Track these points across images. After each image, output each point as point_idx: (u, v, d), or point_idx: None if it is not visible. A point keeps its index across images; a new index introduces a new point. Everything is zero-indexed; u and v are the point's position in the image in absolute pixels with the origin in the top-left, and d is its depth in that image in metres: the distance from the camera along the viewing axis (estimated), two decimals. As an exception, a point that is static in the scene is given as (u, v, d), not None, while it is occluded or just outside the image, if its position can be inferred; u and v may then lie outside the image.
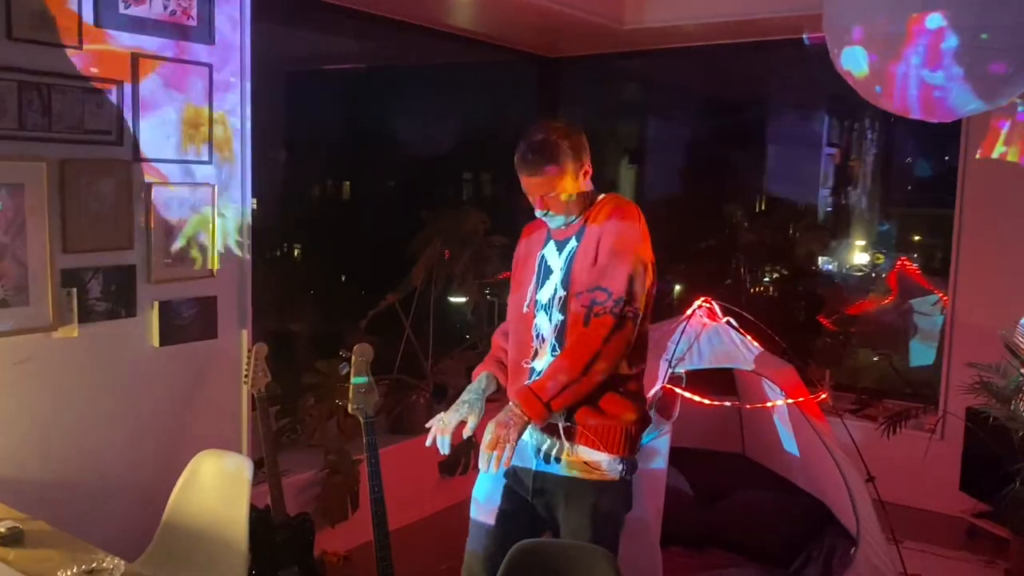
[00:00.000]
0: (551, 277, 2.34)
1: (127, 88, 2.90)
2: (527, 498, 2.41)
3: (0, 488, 2.52)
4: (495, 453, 2.15)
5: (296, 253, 5.55)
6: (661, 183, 7.16)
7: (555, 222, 2.34)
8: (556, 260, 2.35)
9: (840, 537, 3.69)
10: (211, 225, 3.19)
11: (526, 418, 2.18)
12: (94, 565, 1.89)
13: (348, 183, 5.86)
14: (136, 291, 2.98)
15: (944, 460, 4.27)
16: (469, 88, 6.28)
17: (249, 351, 3.17)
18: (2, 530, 2.07)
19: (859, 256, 6.17)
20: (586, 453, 2.29)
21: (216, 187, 3.20)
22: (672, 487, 3.93)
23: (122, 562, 1.94)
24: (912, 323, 5.28)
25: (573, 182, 2.28)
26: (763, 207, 6.39)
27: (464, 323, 4.96)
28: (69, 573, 1.85)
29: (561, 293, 2.30)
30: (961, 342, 4.40)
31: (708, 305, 3.92)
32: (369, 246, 5.49)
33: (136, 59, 2.91)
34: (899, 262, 5.46)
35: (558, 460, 2.32)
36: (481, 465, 2.18)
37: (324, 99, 5.63)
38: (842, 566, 3.42)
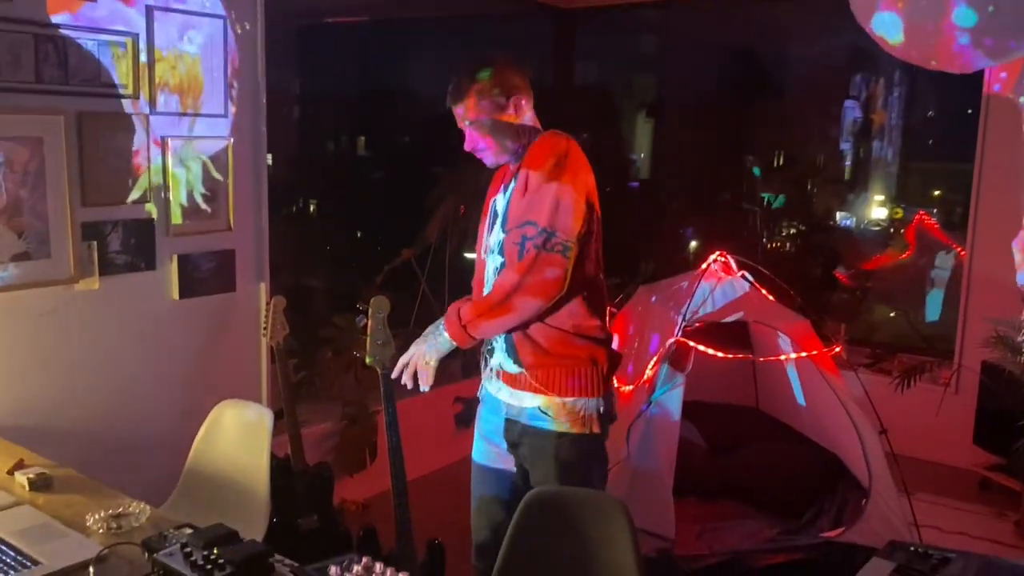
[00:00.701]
0: (497, 221, 2.28)
1: (143, 40, 2.90)
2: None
3: (28, 436, 2.58)
4: (407, 369, 2.26)
5: (312, 209, 5.57)
6: (678, 137, 7.09)
7: (488, 160, 2.28)
8: (501, 202, 2.28)
9: (852, 489, 3.73)
10: (228, 179, 3.21)
11: (445, 335, 2.21)
12: (120, 510, 1.95)
13: (363, 138, 5.84)
14: (155, 244, 3.02)
15: (958, 414, 4.28)
16: (484, 41, 6.22)
17: (267, 304, 3.20)
18: (31, 476, 2.13)
19: (877, 211, 6.12)
20: (537, 399, 2.24)
21: (232, 141, 3.21)
22: (686, 439, 3.97)
23: (147, 507, 2.00)
24: (929, 278, 5.26)
25: (498, 118, 2.21)
26: (781, 162, 6.33)
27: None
28: (97, 517, 1.90)
29: (500, 236, 2.23)
30: (978, 297, 4.38)
31: (724, 259, 3.92)
32: (384, 202, 5.50)
33: (151, 11, 2.90)
34: (918, 216, 5.41)
35: (515, 409, 2.29)
36: (404, 380, 2.27)
37: (337, 53, 5.59)
38: (854, 517, 3.45)
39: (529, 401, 2.26)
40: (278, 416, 3.14)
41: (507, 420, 2.33)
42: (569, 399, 2.23)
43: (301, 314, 4.22)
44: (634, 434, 3.53)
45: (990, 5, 2.69)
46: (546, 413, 2.24)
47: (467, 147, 2.28)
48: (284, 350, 3.17)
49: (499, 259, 2.22)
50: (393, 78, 5.70)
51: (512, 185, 2.24)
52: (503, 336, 2.26)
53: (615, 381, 2.40)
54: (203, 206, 3.15)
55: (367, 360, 2.63)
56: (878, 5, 2.92)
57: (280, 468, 3.09)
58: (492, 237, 2.29)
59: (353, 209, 5.51)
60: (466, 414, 4.33)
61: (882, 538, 3.25)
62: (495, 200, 2.34)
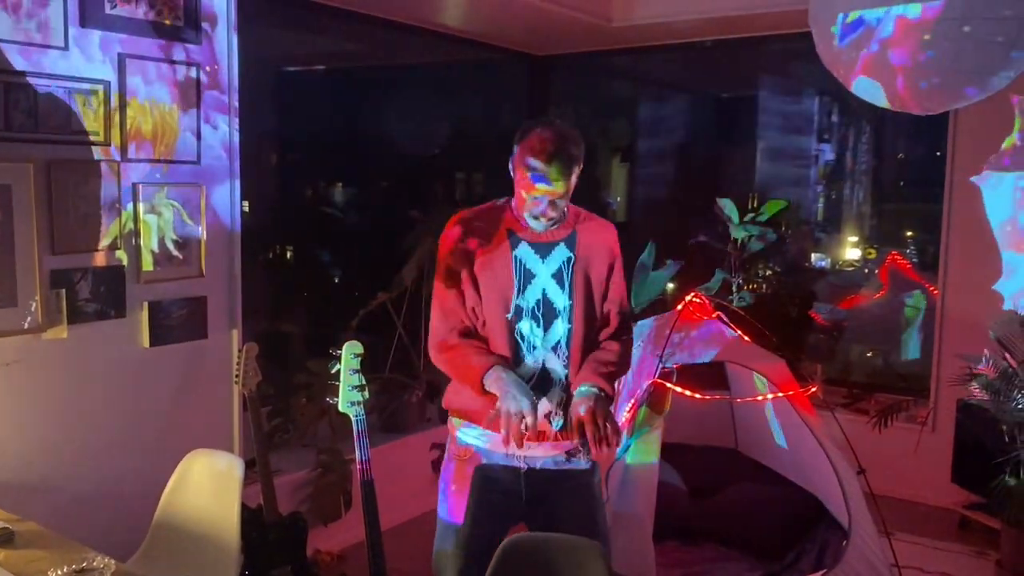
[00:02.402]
0: (533, 282, 2.30)
1: (114, 87, 2.89)
2: (507, 497, 2.37)
3: (-10, 490, 2.52)
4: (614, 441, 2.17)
5: (289, 254, 5.56)
6: (653, 181, 7.17)
7: (540, 226, 2.31)
8: (539, 265, 2.32)
9: (832, 530, 3.70)
10: (201, 225, 3.19)
11: (612, 401, 2.28)
12: (84, 564, 1.89)
13: (340, 184, 5.86)
14: (126, 292, 2.98)
15: (936, 452, 4.29)
16: (460, 87, 6.29)
17: (240, 351, 3.16)
18: (-8, 531, 2.07)
19: (851, 251, 6.19)
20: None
21: (205, 187, 3.20)
22: (665, 482, 3.94)
23: (113, 562, 1.94)
24: (903, 317, 5.30)
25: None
26: (755, 204, 6.41)
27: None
28: (59, 573, 1.85)
29: (566, 303, 2.31)
30: (951, 334, 4.42)
31: (699, 300, 3.94)
32: (362, 246, 5.49)
33: (122, 59, 2.91)
34: (890, 256, 5.47)
35: (540, 460, 2.35)
36: (596, 453, 2.21)
37: (315, 100, 5.63)
38: (834, 559, 3.42)
39: (564, 445, 2.35)
40: (250, 465, 3.09)
41: (526, 475, 2.35)
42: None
43: (276, 360, 4.18)
44: (613, 478, 3.50)
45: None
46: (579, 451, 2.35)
47: (539, 211, 2.28)
48: (257, 397, 3.12)
49: (566, 326, 2.32)
50: (371, 124, 5.74)
51: (565, 250, 2.34)
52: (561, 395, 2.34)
53: None
54: (175, 252, 3.12)
55: (340, 406, 2.60)
56: (856, 71, 3.01)
57: (252, 518, 3.02)
58: (528, 298, 2.29)
59: (330, 254, 5.50)
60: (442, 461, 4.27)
61: (863, 580, 3.23)
62: (517, 256, 2.31)
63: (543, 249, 2.34)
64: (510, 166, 2.32)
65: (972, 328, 3.97)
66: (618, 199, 7.14)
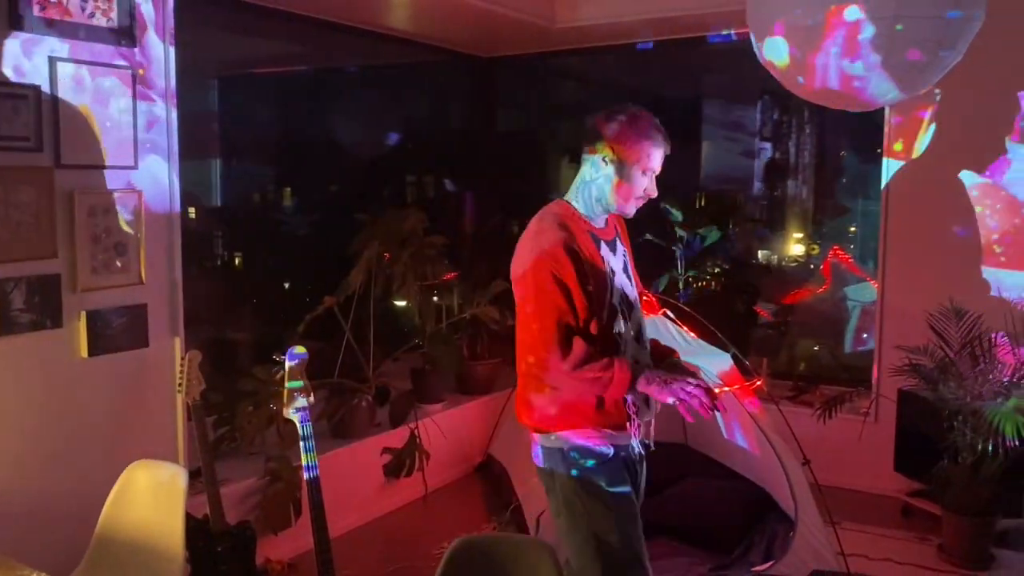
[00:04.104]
0: (615, 279, 2.31)
1: (45, 92, 2.82)
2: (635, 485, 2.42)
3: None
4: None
5: (237, 260, 5.47)
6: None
7: (633, 211, 2.36)
8: (613, 260, 2.34)
9: (781, 522, 3.77)
10: (140, 231, 3.12)
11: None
12: (19, 582, 1.84)
13: (288, 188, 5.80)
14: (62, 301, 2.90)
15: (879, 442, 4.38)
16: (405, 89, 6.26)
17: (182, 359, 3.11)
18: (-79, 551, 2.00)
19: (795, 247, 6.30)
20: None
21: (143, 193, 3.13)
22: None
23: (49, 577, 1.89)
24: (846, 310, 5.41)
25: None
26: (702, 202, 6.48)
27: (410, 325, 4.94)
28: (-8, 591, 1.79)
29: (633, 295, 2.38)
30: (891, 326, 4.52)
31: (646, 297, 3.97)
32: (310, 251, 5.43)
33: (54, 63, 2.83)
34: (832, 251, 5.58)
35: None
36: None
37: (260, 103, 5.56)
38: (782, 550, 3.49)
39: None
40: (196, 475, 3.04)
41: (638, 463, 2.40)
42: None
43: (222, 368, 4.11)
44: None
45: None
46: None
47: (639, 200, 2.33)
48: (201, 406, 3.07)
49: (640, 317, 2.38)
50: (318, 127, 5.68)
51: (619, 244, 2.40)
52: None
53: None
54: (113, 260, 3.05)
55: (285, 412, 2.57)
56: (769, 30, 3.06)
57: (198, 529, 2.97)
58: (615, 295, 2.29)
59: (278, 259, 5.44)
60: (395, 464, 4.25)
61: (810, 569, 3.30)
62: (603, 257, 2.30)
63: (611, 245, 2.36)
64: (604, 156, 2.27)
65: (911, 320, 4.07)
66: (571, 201, 7.17)
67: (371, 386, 4.26)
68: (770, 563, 3.43)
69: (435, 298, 4.87)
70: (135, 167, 3.11)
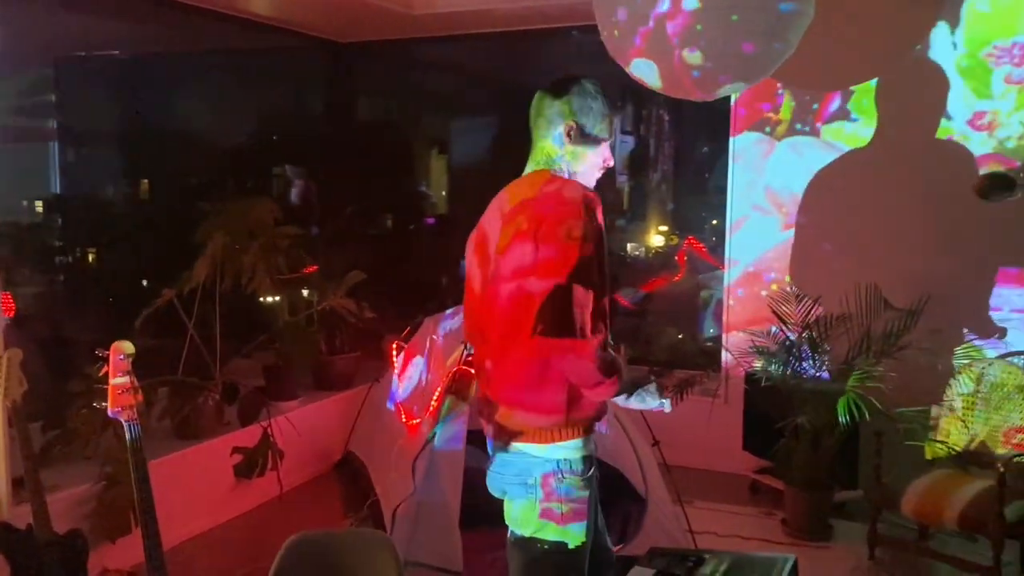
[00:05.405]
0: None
1: None
2: None
3: None
4: None
5: (78, 254, 5.15)
6: (470, 172, 7.17)
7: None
8: None
9: (634, 503, 3.85)
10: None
11: None
12: None
13: (134, 178, 5.49)
14: None
15: (728, 422, 4.55)
16: (261, 76, 6.03)
17: (1, 358, 2.87)
18: None
19: (656, 238, 6.47)
20: None
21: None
22: (476, 468, 3.95)
23: None
24: (700, 296, 5.59)
25: None
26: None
27: (264, 320, 4.76)
28: None
29: None
30: (738, 311, 4.70)
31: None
32: (156, 243, 5.16)
33: None
34: (687, 241, 5.76)
35: None
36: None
37: (105, 89, 5.24)
38: (635, 530, 3.56)
39: None
40: (19, 483, 2.82)
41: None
42: None
43: (53, 368, 3.85)
44: (419, 468, 3.47)
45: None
46: None
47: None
48: (22, 408, 2.85)
49: None
50: (162, 114, 5.39)
51: None
52: None
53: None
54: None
55: (109, 411, 2.40)
56: (632, 53, 3.12)
57: (21, 540, 2.77)
58: None
59: (122, 252, 5.15)
60: (246, 465, 4.09)
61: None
62: None
63: None
64: (575, 127, 2.13)
65: (756, 305, 4.23)
66: (443, 192, 7.11)
67: (217, 384, 4.08)
68: (620, 545, 3.48)
69: (297, 291, 4.72)
70: (-60, 150, 2.85)
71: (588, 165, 2.18)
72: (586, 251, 1.95)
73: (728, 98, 4.59)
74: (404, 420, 3.97)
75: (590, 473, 2.13)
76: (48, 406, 3.49)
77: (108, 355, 2.46)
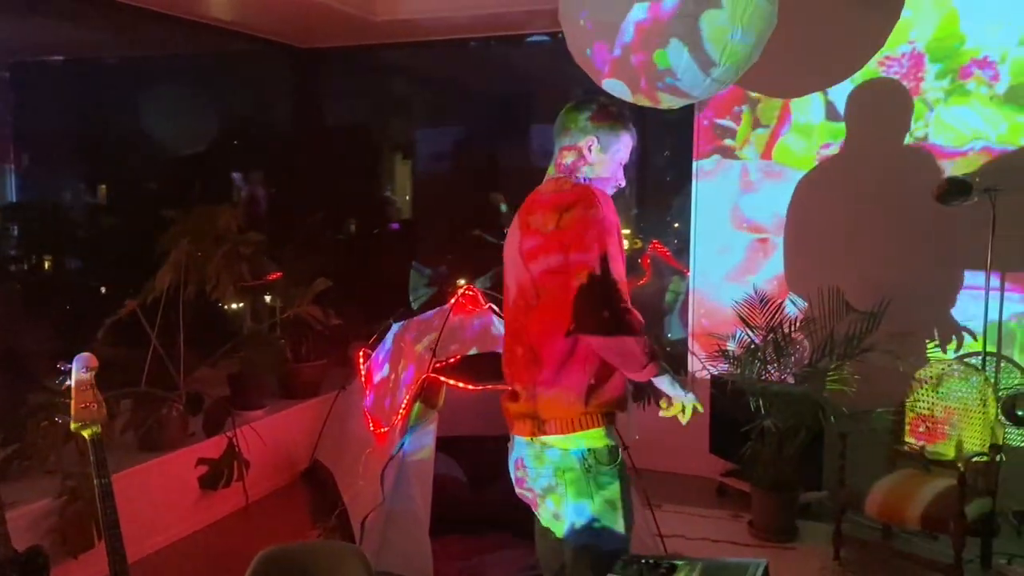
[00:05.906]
0: None
1: None
2: None
3: None
4: None
5: (35, 263, 5.04)
6: (434, 177, 7.16)
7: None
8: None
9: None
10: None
11: None
12: None
13: (94, 185, 5.40)
14: None
15: (695, 426, 4.53)
16: (223, 81, 5.96)
17: (-45, 372, 2.80)
18: None
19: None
20: None
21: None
22: (445, 476, 3.94)
23: None
24: (664, 300, 5.63)
25: None
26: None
27: (229, 329, 4.70)
28: None
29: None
30: (702, 315, 4.74)
31: (471, 292, 3.96)
32: (119, 252, 5.08)
33: None
34: (652, 245, 5.79)
35: None
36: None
37: (63, 94, 5.14)
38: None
39: None
40: (-23, 500, 2.75)
41: None
42: None
43: (10, 380, 3.76)
44: (388, 476, 3.45)
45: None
46: None
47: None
48: (-22, 422, 2.79)
49: None
50: (124, 120, 5.31)
51: None
52: None
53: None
54: None
55: (72, 425, 2.36)
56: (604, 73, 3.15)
57: (-22, 559, 2.70)
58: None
59: (82, 261, 5.06)
60: (211, 476, 4.03)
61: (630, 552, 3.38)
62: None
63: None
64: (596, 142, 2.31)
65: (721, 309, 4.27)
66: (407, 197, 7.09)
67: (181, 394, 4.01)
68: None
69: (262, 299, 4.67)
70: None
71: (603, 180, 2.35)
72: (610, 229, 2.15)
73: (692, 106, 4.64)
74: (372, 428, 3.94)
75: (618, 462, 2.26)
76: (6, 419, 3.40)
77: (70, 368, 2.41)
